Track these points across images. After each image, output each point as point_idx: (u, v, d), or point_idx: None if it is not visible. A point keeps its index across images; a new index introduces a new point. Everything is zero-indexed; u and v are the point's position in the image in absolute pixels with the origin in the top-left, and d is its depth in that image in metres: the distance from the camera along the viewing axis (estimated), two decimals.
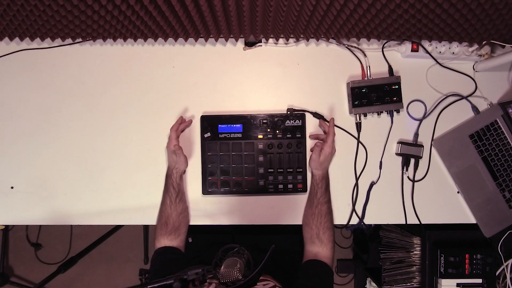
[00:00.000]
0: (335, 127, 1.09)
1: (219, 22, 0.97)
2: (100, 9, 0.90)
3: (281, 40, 1.13)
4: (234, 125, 1.08)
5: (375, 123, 1.13)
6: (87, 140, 1.11)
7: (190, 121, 1.10)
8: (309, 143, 1.11)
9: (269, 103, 1.12)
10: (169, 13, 0.91)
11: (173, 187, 1.01)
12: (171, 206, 1.01)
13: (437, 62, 1.13)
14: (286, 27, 1.02)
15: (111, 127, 1.11)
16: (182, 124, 1.07)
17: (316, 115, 1.11)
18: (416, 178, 1.12)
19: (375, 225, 1.40)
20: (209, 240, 1.24)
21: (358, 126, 1.11)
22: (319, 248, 0.97)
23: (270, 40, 1.13)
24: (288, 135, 1.08)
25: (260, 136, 1.09)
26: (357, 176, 1.12)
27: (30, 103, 1.11)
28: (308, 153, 1.10)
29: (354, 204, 1.11)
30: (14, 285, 1.97)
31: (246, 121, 1.09)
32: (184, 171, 1.07)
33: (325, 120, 1.11)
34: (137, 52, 1.12)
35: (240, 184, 1.08)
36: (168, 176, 1.04)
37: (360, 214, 1.11)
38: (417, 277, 1.23)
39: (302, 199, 1.09)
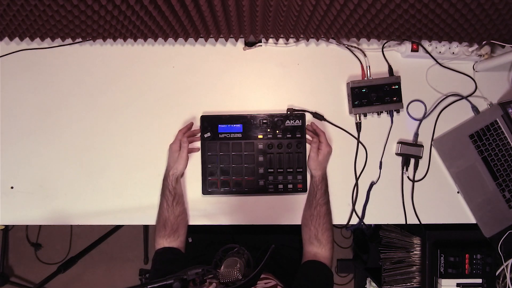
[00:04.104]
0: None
1: (219, 22, 0.97)
2: (100, 9, 0.90)
3: (281, 40, 1.13)
4: (234, 125, 1.08)
5: (375, 123, 1.13)
6: (87, 140, 1.11)
7: (198, 138, 1.10)
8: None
9: (269, 103, 1.12)
10: (169, 13, 0.91)
11: (169, 191, 1.01)
12: (168, 210, 1.01)
13: (437, 62, 1.13)
14: (286, 27, 1.02)
15: (111, 127, 1.11)
16: (191, 134, 1.08)
17: (316, 115, 1.11)
18: (416, 178, 1.12)
19: (375, 225, 1.41)
20: (209, 240, 1.24)
21: (358, 126, 1.11)
22: (318, 248, 0.98)
23: (270, 40, 1.13)
24: (288, 135, 1.08)
25: (260, 136, 1.09)
26: (357, 176, 1.12)
27: (30, 103, 1.11)
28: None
29: (354, 204, 1.11)
30: (14, 285, 1.97)
31: (246, 121, 1.09)
32: (182, 174, 1.07)
33: (324, 120, 1.11)
34: (137, 52, 1.12)
35: (240, 184, 1.08)
36: (164, 179, 1.04)
37: (360, 214, 1.11)
38: (417, 277, 1.23)
39: (302, 199, 1.09)
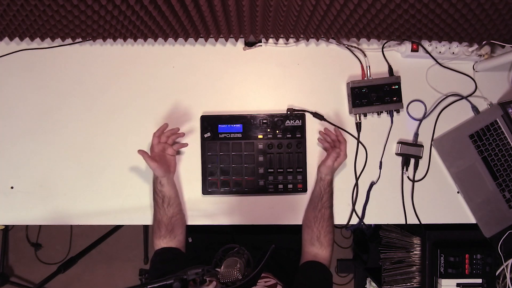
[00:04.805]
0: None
1: (219, 22, 0.97)
2: (100, 9, 0.90)
3: (281, 40, 1.13)
4: (234, 125, 1.08)
5: (375, 123, 1.13)
6: (87, 140, 1.11)
7: (181, 134, 1.06)
8: (309, 143, 1.10)
9: (269, 103, 1.12)
10: (169, 13, 0.91)
11: (157, 194, 1.01)
12: (159, 212, 1.00)
13: (437, 62, 1.13)
14: (286, 27, 1.02)
15: (111, 127, 1.11)
16: (172, 135, 1.04)
17: (316, 115, 1.11)
18: (416, 178, 1.12)
19: (375, 225, 1.41)
20: (209, 240, 1.24)
21: (358, 126, 1.11)
22: (318, 250, 0.98)
23: (270, 40, 1.13)
24: (288, 135, 1.08)
25: (260, 136, 1.09)
26: (357, 176, 1.12)
27: (30, 103, 1.11)
28: (308, 153, 1.09)
29: (354, 204, 1.11)
30: (14, 285, 1.97)
31: (246, 121, 1.09)
32: (170, 177, 1.03)
33: (324, 120, 1.11)
34: (137, 52, 1.12)
35: (240, 184, 1.08)
36: (153, 182, 1.03)
37: (360, 214, 1.11)
38: (417, 277, 1.23)
39: (302, 199, 1.09)
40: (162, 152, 1.02)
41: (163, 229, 0.99)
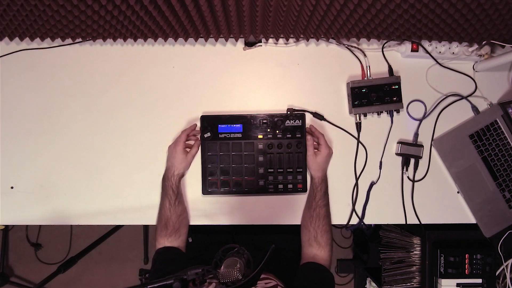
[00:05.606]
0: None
1: (219, 22, 0.97)
2: (100, 9, 0.90)
3: (281, 40, 1.13)
4: (234, 125, 1.08)
5: (375, 123, 1.13)
6: (87, 140, 1.11)
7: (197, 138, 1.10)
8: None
9: (269, 103, 1.12)
10: (169, 13, 0.91)
11: (173, 190, 1.01)
12: (170, 209, 1.01)
13: (437, 62, 1.13)
14: (286, 27, 1.02)
15: (111, 127, 1.11)
16: (193, 134, 1.09)
17: (316, 115, 1.11)
18: (416, 178, 1.12)
19: (375, 225, 1.41)
20: (209, 240, 1.24)
21: (358, 126, 1.11)
22: (317, 250, 0.98)
23: (270, 40, 1.13)
24: (288, 135, 1.08)
25: (260, 136, 1.09)
26: (357, 176, 1.12)
27: (30, 103, 1.11)
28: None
29: (354, 204, 1.11)
30: (14, 285, 1.97)
31: (246, 121, 1.08)
32: (184, 174, 1.07)
33: (324, 120, 1.11)
34: (137, 52, 1.12)
35: (240, 184, 1.08)
36: (167, 179, 1.03)
37: (360, 214, 1.11)
38: (417, 277, 1.23)
39: (302, 199, 1.09)
40: (185, 149, 1.05)
41: (170, 228, 0.99)
